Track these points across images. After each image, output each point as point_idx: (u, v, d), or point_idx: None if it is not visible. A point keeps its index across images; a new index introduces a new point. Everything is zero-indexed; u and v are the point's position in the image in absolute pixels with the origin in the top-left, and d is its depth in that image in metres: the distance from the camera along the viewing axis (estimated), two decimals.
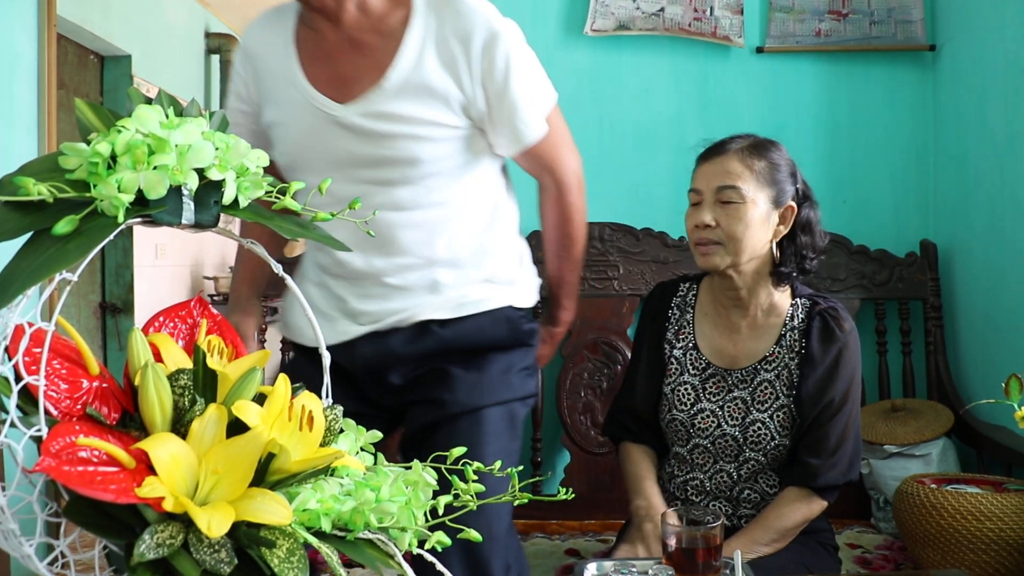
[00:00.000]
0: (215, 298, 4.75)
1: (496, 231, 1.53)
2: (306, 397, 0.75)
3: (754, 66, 2.59)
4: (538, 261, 1.67)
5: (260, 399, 0.73)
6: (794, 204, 1.61)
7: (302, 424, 0.72)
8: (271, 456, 0.69)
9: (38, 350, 0.64)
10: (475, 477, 0.83)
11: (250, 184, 0.75)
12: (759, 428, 1.61)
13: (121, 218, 0.65)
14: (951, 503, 1.74)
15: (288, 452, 0.69)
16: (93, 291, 4.12)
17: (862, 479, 2.22)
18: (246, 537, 0.65)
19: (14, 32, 2.15)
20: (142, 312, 4.15)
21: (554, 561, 2.02)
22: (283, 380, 0.73)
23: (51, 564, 0.65)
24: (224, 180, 0.72)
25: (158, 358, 0.75)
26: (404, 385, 1.49)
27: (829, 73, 2.58)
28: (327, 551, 0.69)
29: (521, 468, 0.88)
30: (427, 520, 0.77)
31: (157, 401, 0.67)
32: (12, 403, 0.62)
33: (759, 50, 2.57)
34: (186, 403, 0.69)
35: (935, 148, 2.56)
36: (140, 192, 0.67)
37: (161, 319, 0.82)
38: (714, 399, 1.65)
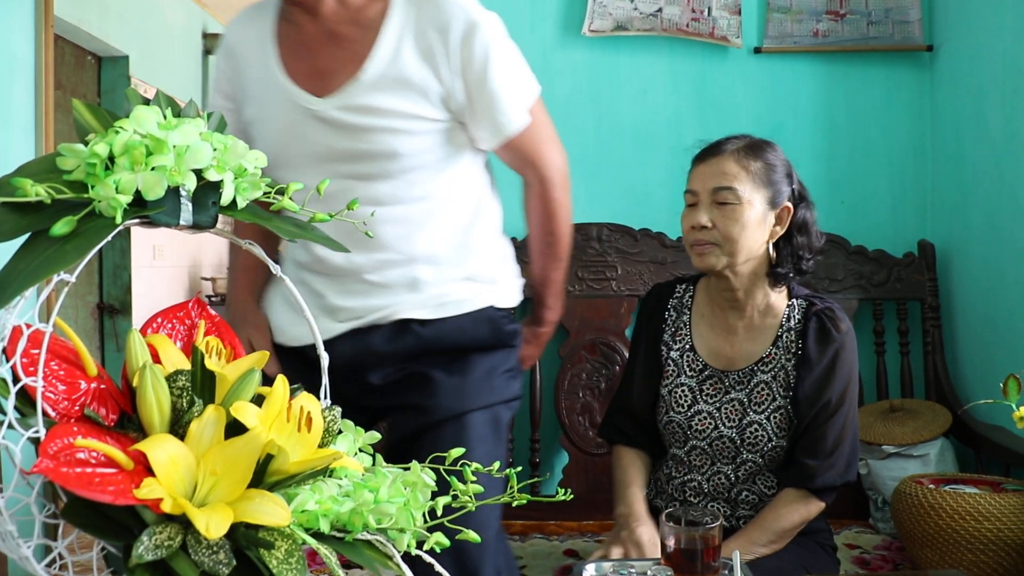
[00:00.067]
0: (213, 299, 4.75)
1: (478, 228, 1.51)
2: (304, 398, 0.75)
3: (752, 66, 2.59)
4: (523, 261, 1.66)
5: (258, 400, 0.73)
6: (790, 205, 1.61)
7: (300, 425, 0.72)
8: (269, 457, 0.68)
9: (36, 351, 0.64)
10: (474, 478, 0.83)
11: (248, 185, 0.75)
12: (756, 430, 1.61)
13: (119, 219, 0.65)
14: (949, 503, 1.74)
15: (286, 453, 0.68)
16: (91, 292, 4.12)
17: (860, 479, 2.22)
18: (244, 538, 0.65)
19: (11, 33, 2.14)
20: (140, 313, 4.14)
21: (552, 562, 2.02)
22: (282, 381, 0.73)
23: (49, 565, 0.65)
24: (222, 181, 0.72)
25: (156, 359, 0.75)
26: (384, 387, 1.47)
27: (827, 73, 2.59)
28: (326, 552, 0.69)
29: (520, 469, 0.88)
30: (425, 521, 0.77)
31: (155, 402, 0.67)
32: (10, 404, 0.62)
33: (757, 50, 2.57)
34: (184, 404, 0.69)
35: (933, 148, 2.56)
36: (138, 193, 0.67)
37: (159, 320, 0.82)
38: (711, 401, 1.65)
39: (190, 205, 0.71)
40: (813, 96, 2.59)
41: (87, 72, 4.07)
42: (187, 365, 0.75)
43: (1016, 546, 1.67)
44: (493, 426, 1.48)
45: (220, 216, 0.74)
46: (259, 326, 1.57)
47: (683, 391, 1.67)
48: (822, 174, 2.57)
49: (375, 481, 0.76)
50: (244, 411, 0.69)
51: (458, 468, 0.84)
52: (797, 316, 1.64)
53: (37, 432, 0.62)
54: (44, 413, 0.63)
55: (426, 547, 0.76)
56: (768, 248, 1.61)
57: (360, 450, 0.83)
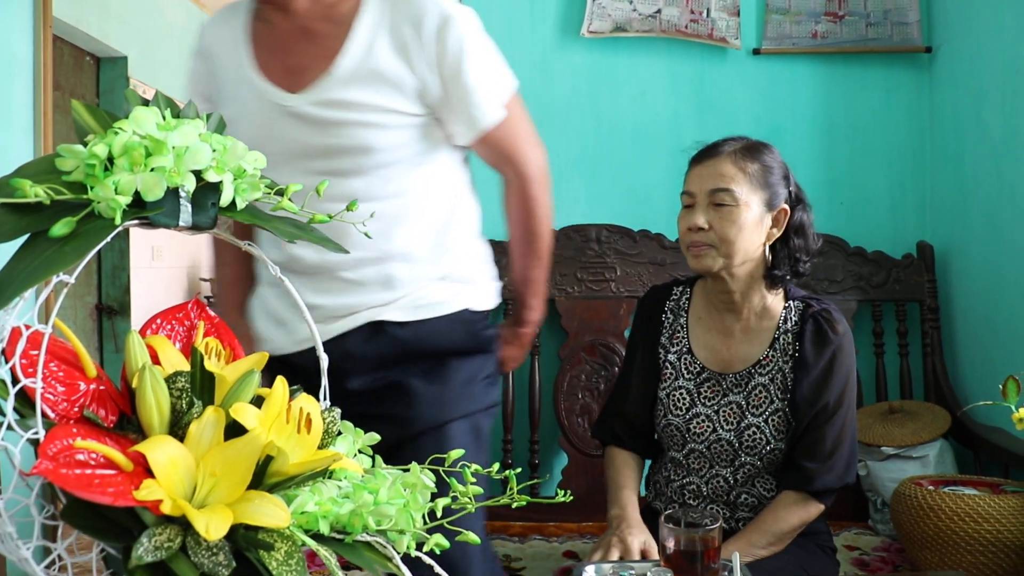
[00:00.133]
0: (212, 300, 4.74)
1: (455, 227, 1.49)
2: (304, 399, 0.74)
3: (751, 68, 2.59)
4: (504, 264, 1.64)
5: (258, 401, 0.73)
6: (787, 207, 1.61)
7: (300, 426, 0.72)
8: (269, 459, 0.68)
9: (35, 352, 0.64)
10: (474, 480, 0.83)
11: (247, 186, 0.75)
12: (754, 433, 1.61)
13: (118, 220, 0.65)
14: (949, 505, 1.74)
15: (286, 455, 0.68)
16: (89, 293, 4.12)
17: (859, 481, 2.22)
18: (244, 540, 0.64)
19: (10, 33, 2.14)
20: (138, 314, 4.14)
21: (552, 563, 2.02)
22: (281, 382, 0.73)
23: (48, 567, 0.65)
24: (221, 182, 0.71)
25: (155, 360, 0.74)
26: (362, 394, 1.44)
27: (825, 75, 2.59)
28: (325, 554, 0.69)
29: (519, 471, 0.88)
30: (425, 523, 0.77)
31: (155, 404, 0.67)
32: (9, 406, 0.62)
33: (756, 52, 2.57)
34: (184, 405, 0.69)
35: (932, 150, 2.57)
36: (137, 194, 0.67)
37: (158, 321, 0.82)
38: (709, 403, 1.65)
39: (189, 206, 0.71)
40: (812, 97, 2.59)
41: (86, 73, 4.07)
42: (186, 366, 0.75)
43: (1015, 547, 1.67)
44: (474, 435, 1.46)
45: (219, 217, 0.74)
46: (244, 338, 1.55)
47: (681, 394, 1.67)
48: (821, 175, 2.57)
49: (375, 483, 0.75)
50: (243, 412, 0.69)
51: (457, 470, 0.84)
52: (794, 318, 1.63)
53: (36, 433, 0.62)
54: (43, 414, 0.63)
55: (425, 548, 0.76)
56: (765, 250, 1.61)
57: (359, 451, 0.83)
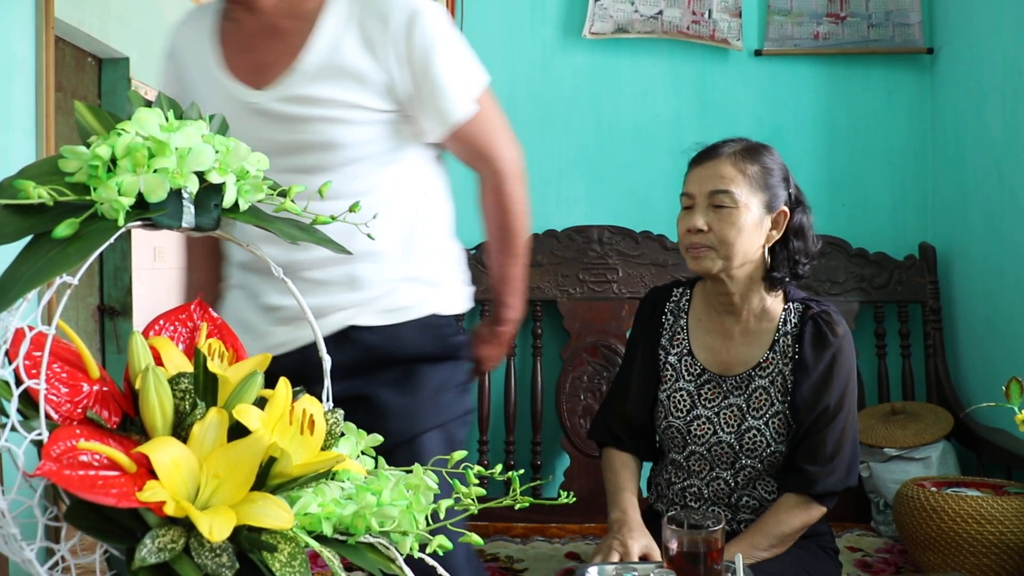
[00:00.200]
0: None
1: (424, 227, 1.47)
2: (307, 401, 0.74)
3: (752, 69, 2.59)
4: (480, 267, 1.62)
5: (261, 403, 0.73)
6: (787, 209, 1.61)
7: (303, 428, 0.71)
8: (272, 460, 0.68)
9: (38, 354, 0.64)
10: (476, 481, 0.83)
11: (250, 187, 0.75)
12: (755, 435, 1.60)
13: (121, 221, 0.65)
14: (951, 506, 1.74)
15: (289, 456, 0.68)
16: (91, 294, 4.12)
17: (862, 482, 2.22)
18: (247, 541, 0.64)
19: (12, 35, 2.14)
20: (140, 315, 4.14)
21: (554, 564, 2.02)
22: (284, 384, 0.73)
23: (52, 569, 0.64)
24: (224, 183, 0.72)
25: (158, 361, 0.74)
26: (333, 403, 1.42)
27: (827, 76, 2.59)
28: (328, 555, 0.69)
29: (522, 472, 0.88)
30: (428, 525, 0.77)
31: (158, 405, 0.67)
32: (12, 407, 0.62)
33: (757, 53, 2.57)
34: (187, 407, 0.69)
35: (933, 151, 2.56)
36: (140, 195, 0.67)
37: (161, 322, 0.82)
38: (710, 405, 1.64)
39: (192, 207, 0.71)
40: (814, 99, 2.59)
41: (87, 74, 4.07)
42: (189, 368, 0.75)
43: (1018, 549, 1.67)
44: (447, 445, 1.43)
45: (222, 218, 0.74)
46: None
47: (682, 396, 1.67)
48: (823, 177, 2.57)
49: (378, 484, 0.75)
50: (247, 414, 0.69)
51: (460, 472, 0.84)
52: (793, 320, 1.63)
53: (40, 435, 0.62)
54: (47, 416, 0.63)
55: (429, 550, 0.76)
56: (764, 252, 1.61)
57: (362, 453, 0.83)
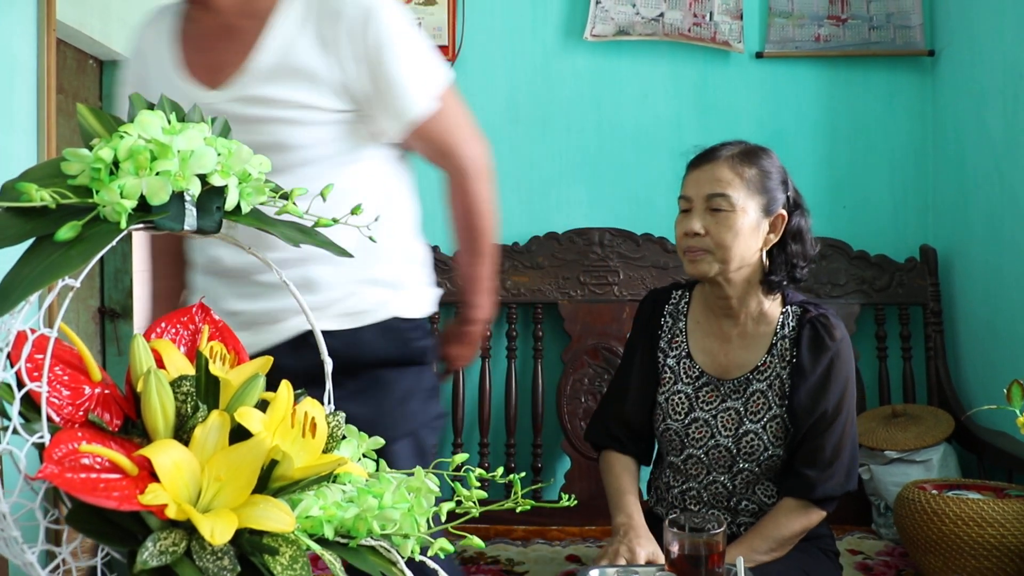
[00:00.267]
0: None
1: (387, 229, 1.41)
2: (308, 404, 0.74)
3: (753, 71, 2.59)
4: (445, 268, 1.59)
5: (262, 406, 0.73)
6: (785, 212, 1.60)
7: (305, 431, 0.71)
8: (274, 463, 0.68)
9: (40, 356, 0.64)
10: (478, 484, 0.82)
11: (252, 190, 0.75)
12: (752, 439, 1.60)
13: (124, 224, 0.65)
14: (952, 509, 1.73)
15: (291, 459, 0.68)
16: (92, 296, 4.12)
17: (863, 485, 2.22)
18: (249, 544, 0.64)
19: (13, 37, 2.14)
20: (141, 318, 4.14)
21: (555, 567, 2.02)
22: (285, 386, 0.73)
23: (53, 571, 0.64)
24: (226, 186, 0.72)
25: (160, 364, 0.74)
26: None
27: (828, 78, 2.59)
28: (330, 558, 0.69)
29: (524, 475, 0.88)
30: (429, 527, 0.77)
31: (160, 408, 0.67)
32: (15, 410, 0.62)
33: (758, 55, 2.57)
34: (189, 410, 0.69)
35: (934, 153, 2.56)
36: (142, 198, 0.67)
37: (163, 325, 0.82)
38: (707, 408, 1.64)
39: (194, 210, 0.71)
40: (815, 101, 2.59)
41: (89, 76, 4.07)
42: (191, 370, 0.75)
43: (1019, 552, 1.67)
44: (417, 453, 1.40)
45: (224, 221, 0.74)
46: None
47: (680, 399, 1.66)
48: (824, 179, 2.57)
49: (379, 487, 0.75)
50: (248, 417, 0.69)
51: (462, 475, 0.84)
52: (791, 323, 1.62)
53: (42, 438, 0.62)
54: (48, 419, 0.63)
55: (430, 553, 0.76)
56: (761, 256, 1.60)
57: (364, 456, 0.82)
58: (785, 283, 1.62)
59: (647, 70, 2.60)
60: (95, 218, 0.65)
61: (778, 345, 1.62)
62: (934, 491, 1.81)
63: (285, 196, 0.77)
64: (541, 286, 2.48)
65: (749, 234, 1.57)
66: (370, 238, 0.90)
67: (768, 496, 1.63)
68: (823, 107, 2.59)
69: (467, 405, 2.48)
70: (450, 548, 0.76)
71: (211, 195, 0.71)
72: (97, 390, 0.69)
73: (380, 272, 1.41)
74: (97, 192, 0.66)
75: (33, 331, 0.66)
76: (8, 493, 0.62)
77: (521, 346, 2.50)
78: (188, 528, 0.62)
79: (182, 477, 0.64)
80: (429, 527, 0.77)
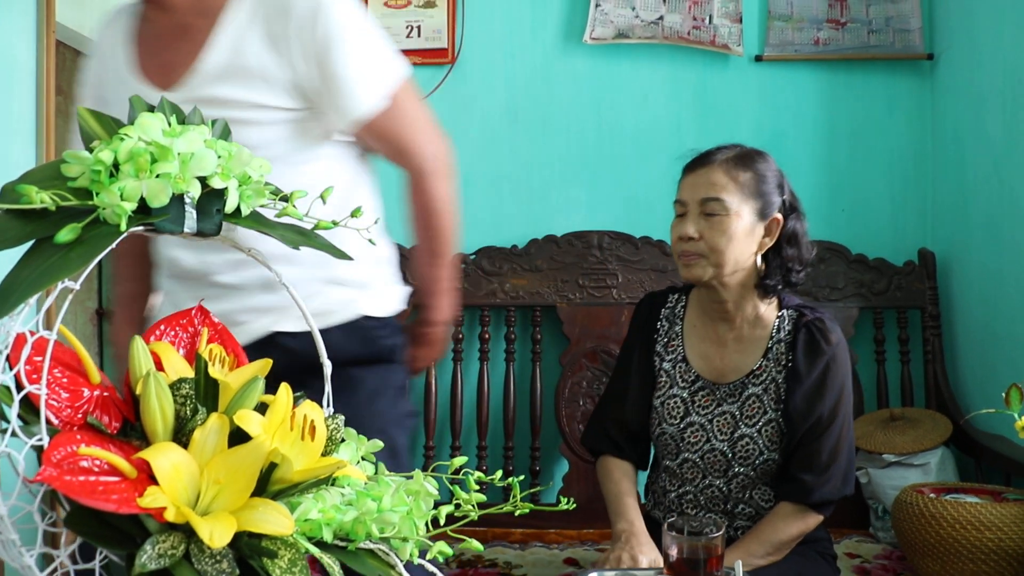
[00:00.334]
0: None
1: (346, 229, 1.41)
2: (308, 407, 0.74)
3: (753, 74, 2.59)
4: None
5: (262, 408, 0.73)
6: (780, 216, 1.60)
7: (304, 434, 0.71)
8: (273, 466, 0.68)
9: (39, 359, 0.64)
10: (477, 487, 0.82)
11: (252, 192, 0.75)
12: (747, 443, 1.60)
13: (124, 226, 0.65)
14: (950, 513, 1.73)
15: (290, 462, 0.68)
16: (90, 298, 4.11)
17: (860, 488, 2.22)
18: (248, 547, 0.64)
19: (12, 38, 2.14)
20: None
21: (553, 570, 2.02)
22: (285, 389, 0.73)
23: (50, 574, 0.64)
24: (226, 188, 0.71)
25: (159, 367, 0.74)
26: None
27: (828, 82, 2.59)
28: (329, 561, 0.69)
29: (522, 478, 0.88)
30: (428, 530, 0.77)
31: (159, 410, 0.67)
32: (13, 412, 0.62)
33: (758, 58, 2.57)
34: (188, 412, 0.69)
35: (933, 156, 2.57)
36: (142, 200, 0.67)
37: (162, 327, 0.82)
38: (703, 413, 1.64)
39: (194, 213, 0.71)
40: (814, 104, 2.60)
41: None
42: (190, 373, 0.75)
43: (1017, 556, 1.67)
44: (388, 453, 1.37)
45: (224, 223, 0.74)
46: None
47: (675, 402, 1.66)
48: (822, 182, 2.57)
49: (378, 490, 0.75)
50: (248, 419, 0.68)
51: (460, 478, 0.84)
52: (787, 327, 1.62)
53: (40, 440, 0.62)
54: (47, 421, 0.63)
55: (429, 556, 0.76)
56: (756, 260, 1.60)
57: (363, 459, 0.82)
58: (780, 287, 1.62)
59: (646, 73, 2.60)
60: (95, 220, 0.65)
61: (774, 349, 1.61)
62: (932, 495, 1.81)
63: (285, 199, 0.77)
64: (540, 289, 2.48)
65: (744, 238, 1.56)
66: (370, 241, 0.90)
67: (765, 500, 1.63)
68: (822, 110, 2.59)
69: (465, 408, 2.48)
70: (449, 551, 0.76)
71: (211, 197, 0.71)
72: (96, 392, 0.69)
73: (344, 272, 1.39)
74: (97, 194, 0.65)
75: (32, 333, 0.66)
76: (6, 496, 0.62)
77: (520, 349, 2.50)
78: (187, 531, 0.62)
79: (181, 480, 0.64)
80: (428, 530, 0.77)
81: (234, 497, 0.65)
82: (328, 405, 0.87)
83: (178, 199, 0.69)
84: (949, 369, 2.45)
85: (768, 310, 1.64)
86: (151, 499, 0.61)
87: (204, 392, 0.72)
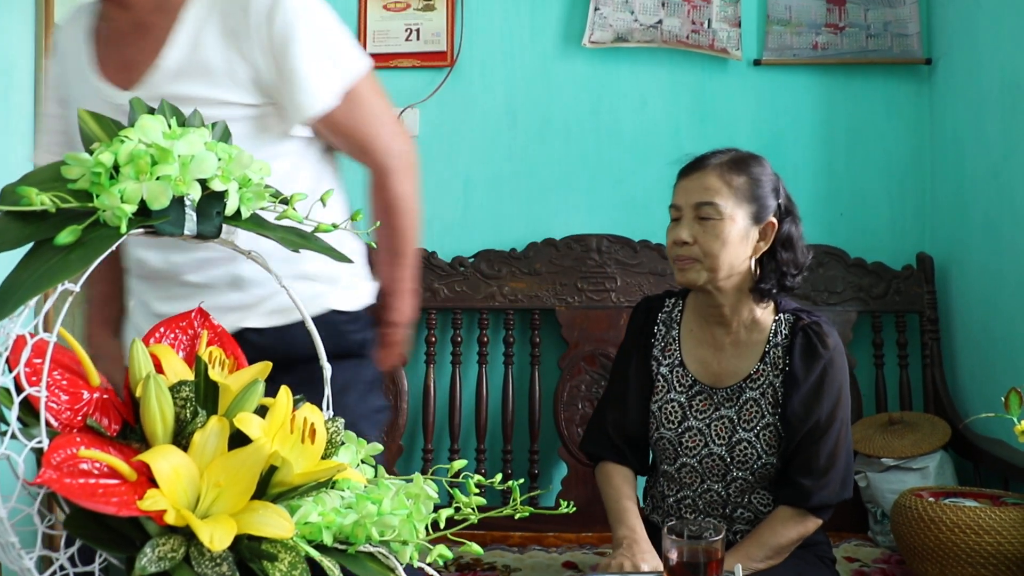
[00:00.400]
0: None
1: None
2: (308, 409, 0.74)
3: (751, 78, 2.59)
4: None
5: (262, 411, 0.72)
6: (775, 220, 1.60)
7: (304, 437, 0.71)
8: (273, 469, 0.68)
9: (39, 361, 0.64)
10: (477, 490, 0.82)
11: (252, 195, 0.75)
12: (745, 448, 1.60)
13: (124, 228, 0.65)
14: (949, 516, 1.73)
15: (290, 465, 0.68)
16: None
17: (859, 492, 2.22)
18: (248, 550, 0.64)
19: (11, 39, 2.15)
20: None
21: (552, 574, 2.02)
22: (285, 392, 0.73)
23: None
24: (227, 191, 0.71)
25: (159, 369, 0.74)
26: None
27: (826, 86, 2.59)
28: (329, 564, 0.69)
29: (522, 481, 0.88)
30: (428, 534, 0.77)
31: (159, 413, 0.67)
32: (13, 415, 0.62)
33: (756, 63, 2.58)
34: (188, 415, 0.69)
35: (931, 161, 2.57)
36: (142, 202, 0.66)
37: (162, 330, 0.82)
38: (701, 417, 1.64)
39: (194, 215, 0.71)
40: (812, 108, 2.60)
41: None
42: (190, 375, 0.74)
43: (1016, 560, 1.67)
44: None
45: (224, 226, 0.74)
46: (114, 358, 1.48)
47: (673, 407, 1.66)
48: (821, 186, 2.57)
49: (378, 493, 0.75)
50: (248, 422, 0.68)
51: (461, 481, 0.84)
52: (784, 331, 1.62)
53: (40, 443, 0.62)
54: (47, 423, 0.63)
55: (429, 559, 0.76)
56: (751, 264, 1.60)
57: (362, 462, 0.82)
58: (775, 291, 1.61)
59: (645, 77, 2.60)
60: (95, 222, 0.65)
61: (771, 353, 1.61)
62: (931, 499, 1.81)
63: (285, 202, 0.77)
64: (538, 292, 2.48)
65: (738, 242, 1.56)
66: (370, 244, 0.90)
67: (763, 504, 1.63)
68: (820, 114, 2.60)
69: (464, 411, 2.48)
70: (449, 555, 0.76)
71: (211, 200, 0.71)
72: (96, 395, 0.69)
73: (312, 266, 1.35)
74: (97, 196, 0.65)
75: (32, 335, 0.66)
76: (6, 498, 0.62)
77: (518, 352, 2.50)
78: (187, 534, 0.62)
79: (181, 483, 0.64)
80: (428, 533, 0.77)
81: (234, 500, 0.65)
82: (328, 408, 0.87)
83: (178, 201, 0.69)
84: (948, 373, 2.45)
85: (765, 314, 1.63)
86: (151, 502, 0.61)
87: (204, 395, 0.72)
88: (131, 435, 0.70)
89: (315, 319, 1.34)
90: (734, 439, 1.60)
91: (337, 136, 1.39)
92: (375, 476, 0.82)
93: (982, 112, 2.29)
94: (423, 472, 0.83)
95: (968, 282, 2.39)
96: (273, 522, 0.64)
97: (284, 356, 1.29)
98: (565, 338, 2.47)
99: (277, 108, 1.33)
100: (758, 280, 1.60)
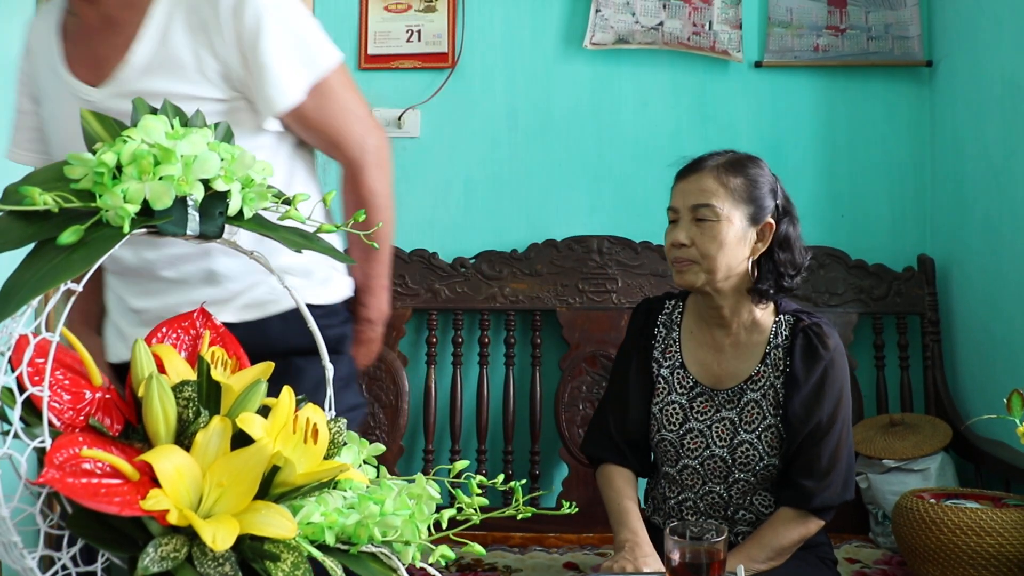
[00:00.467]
0: None
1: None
2: (310, 410, 0.74)
3: (752, 80, 2.59)
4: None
5: (264, 411, 0.72)
6: (772, 221, 1.60)
7: (306, 437, 0.71)
8: (275, 469, 0.68)
9: (41, 361, 0.64)
10: (479, 491, 0.82)
11: (255, 195, 0.75)
12: (747, 449, 1.60)
13: (126, 228, 0.65)
14: (950, 518, 1.73)
15: (293, 465, 0.68)
16: None
17: (860, 493, 2.22)
18: (250, 550, 0.64)
19: (11, 40, 2.14)
20: None
21: (552, 575, 2.02)
22: (287, 392, 0.73)
23: None
24: (229, 191, 0.71)
25: (161, 369, 0.74)
26: None
27: (827, 88, 2.59)
28: (331, 564, 0.69)
29: (524, 482, 0.87)
30: (430, 534, 0.77)
31: (161, 413, 0.67)
32: (16, 414, 0.62)
33: (757, 65, 2.58)
34: (190, 415, 0.69)
35: (932, 163, 2.57)
36: (145, 202, 0.67)
37: (164, 330, 0.82)
38: (702, 419, 1.63)
39: (197, 215, 0.71)
40: (813, 110, 2.60)
41: None
42: (192, 375, 0.74)
43: (1017, 561, 1.67)
44: None
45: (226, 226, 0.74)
46: (95, 354, 1.46)
47: (674, 409, 1.66)
48: (822, 188, 2.57)
49: (380, 494, 0.75)
50: (250, 422, 0.68)
51: (463, 482, 0.84)
52: (784, 333, 1.62)
53: (43, 442, 0.62)
54: (49, 423, 0.63)
55: (431, 560, 0.76)
56: (749, 265, 1.60)
57: (365, 462, 0.82)
58: (773, 292, 1.61)
59: (646, 79, 2.60)
60: (97, 222, 0.65)
61: (771, 354, 1.61)
62: (932, 500, 1.81)
63: (287, 202, 0.77)
64: (540, 293, 2.48)
65: (735, 244, 1.56)
66: (372, 245, 0.90)
67: (765, 505, 1.63)
68: (821, 116, 2.60)
69: (465, 412, 2.47)
70: (451, 555, 0.76)
71: (214, 200, 0.71)
72: (98, 395, 0.69)
73: (286, 260, 1.30)
74: (100, 196, 0.66)
75: (35, 335, 0.66)
76: (8, 498, 0.62)
77: (519, 353, 2.50)
78: (189, 534, 0.62)
79: (183, 483, 0.64)
80: (430, 534, 0.77)
81: (237, 500, 0.65)
82: (331, 409, 0.87)
83: (181, 201, 0.69)
84: (949, 375, 2.45)
85: (765, 315, 1.63)
86: (154, 502, 0.61)
87: (206, 395, 0.72)
88: (133, 435, 0.70)
89: (289, 313, 1.33)
90: (735, 440, 1.60)
91: (308, 131, 1.38)
92: (377, 476, 0.82)
93: (983, 114, 2.29)
94: (424, 473, 0.83)
95: (969, 284, 2.39)
96: (276, 522, 0.64)
97: (259, 350, 1.29)
98: (566, 339, 2.47)
99: (248, 103, 1.31)
100: (756, 281, 1.60)
